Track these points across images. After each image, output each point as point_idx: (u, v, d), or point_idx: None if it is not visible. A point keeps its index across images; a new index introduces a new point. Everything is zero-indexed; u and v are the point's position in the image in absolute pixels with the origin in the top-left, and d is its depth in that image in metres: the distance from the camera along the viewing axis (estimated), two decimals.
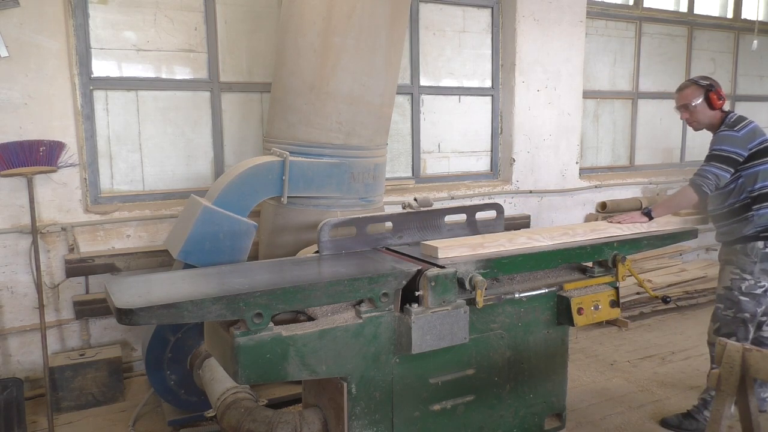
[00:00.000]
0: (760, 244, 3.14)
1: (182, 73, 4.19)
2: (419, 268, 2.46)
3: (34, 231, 3.58)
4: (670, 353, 4.42)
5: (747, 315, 3.18)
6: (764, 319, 3.38)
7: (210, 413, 2.76)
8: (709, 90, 3.20)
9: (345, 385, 2.37)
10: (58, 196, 3.78)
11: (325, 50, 3.22)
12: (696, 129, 3.37)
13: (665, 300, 3.42)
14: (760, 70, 7.15)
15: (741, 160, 3.10)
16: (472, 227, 3.09)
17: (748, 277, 3.16)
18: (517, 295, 2.76)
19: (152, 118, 4.14)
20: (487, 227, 3.18)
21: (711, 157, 3.15)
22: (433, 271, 2.40)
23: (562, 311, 2.87)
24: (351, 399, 2.37)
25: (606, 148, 6.24)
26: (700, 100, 3.22)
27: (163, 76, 4.14)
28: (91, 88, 3.91)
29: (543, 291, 2.85)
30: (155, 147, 4.17)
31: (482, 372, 2.71)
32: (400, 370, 2.47)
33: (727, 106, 3.41)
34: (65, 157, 3.73)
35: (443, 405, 2.61)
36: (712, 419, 2.42)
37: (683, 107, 3.29)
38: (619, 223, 3.12)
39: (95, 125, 3.95)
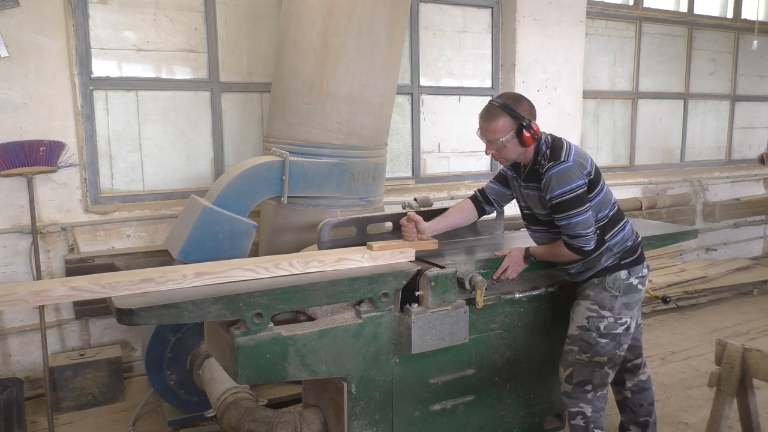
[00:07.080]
0: (623, 274, 2.61)
1: (182, 73, 4.19)
2: (419, 268, 2.46)
3: (34, 231, 3.58)
4: (670, 353, 4.42)
5: (604, 359, 2.61)
6: (639, 361, 2.91)
7: (210, 413, 2.76)
8: (523, 127, 2.50)
9: (345, 385, 2.37)
10: (58, 196, 3.78)
11: (325, 50, 3.22)
12: (504, 165, 2.75)
13: (665, 300, 3.42)
14: (760, 70, 7.13)
15: (586, 188, 2.52)
16: (472, 227, 3.10)
17: (607, 314, 2.60)
18: (517, 295, 2.77)
19: (152, 118, 4.13)
20: (488, 227, 3.19)
21: (563, 206, 2.48)
22: (433, 271, 2.40)
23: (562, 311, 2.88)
24: (351, 399, 2.38)
25: (606, 148, 6.23)
26: (511, 135, 2.51)
27: (163, 76, 4.13)
28: (91, 88, 3.90)
29: (543, 291, 2.86)
30: (155, 147, 4.17)
31: (482, 372, 2.71)
32: (400, 370, 2.47)
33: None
34: (65, 157, 3.73)
35: (443, 405, 2.61)
36: (712, 419, 2.43)
37: (489, 143, 2.58)
38: (504, 272, 2.67)
39: (95, 125, 3.95)
